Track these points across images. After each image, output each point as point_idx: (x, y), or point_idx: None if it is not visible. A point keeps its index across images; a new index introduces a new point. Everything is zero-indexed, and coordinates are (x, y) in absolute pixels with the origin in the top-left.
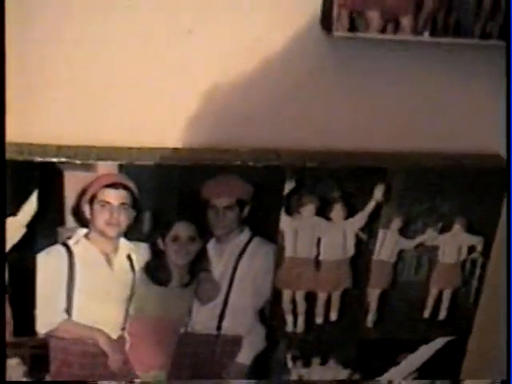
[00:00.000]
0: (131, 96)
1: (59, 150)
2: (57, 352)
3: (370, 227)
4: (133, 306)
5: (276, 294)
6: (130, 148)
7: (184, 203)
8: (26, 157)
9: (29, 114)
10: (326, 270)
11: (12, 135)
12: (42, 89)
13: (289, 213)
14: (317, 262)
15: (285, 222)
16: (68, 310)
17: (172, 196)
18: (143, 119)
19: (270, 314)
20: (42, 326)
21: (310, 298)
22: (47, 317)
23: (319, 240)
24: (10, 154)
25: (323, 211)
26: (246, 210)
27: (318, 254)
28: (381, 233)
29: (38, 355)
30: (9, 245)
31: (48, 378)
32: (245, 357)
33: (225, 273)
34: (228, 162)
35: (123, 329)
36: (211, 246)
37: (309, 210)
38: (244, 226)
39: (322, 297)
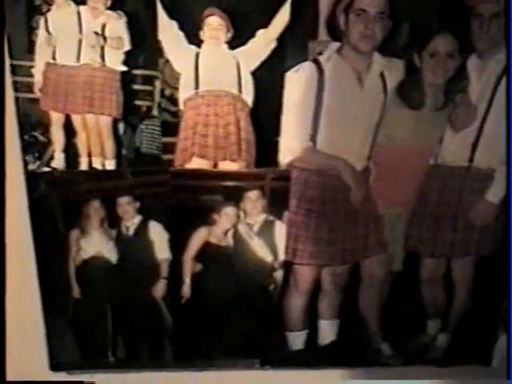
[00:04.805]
0: None
1: None
2: (297, 184)
3: None
4: (381, 132)
5: None
6: None
7: (445, 12)
8: None
9: None
10: None
11: None
12: None
13: None
14: None
15: None
16: (313, 138)
17: (433, 4)
18: None
19: None
20: (285, 155)
21: None
22: (291, 144)
23: None
24: None
25: None
26: None
27: None
28: None
29: (278, 188)
30: (258, 61)
31: (285, 215)
32: (495, 194)
33: (483, 95)
34: None
35: (369, 159)
36: (471, 62)
37: None
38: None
39: None
